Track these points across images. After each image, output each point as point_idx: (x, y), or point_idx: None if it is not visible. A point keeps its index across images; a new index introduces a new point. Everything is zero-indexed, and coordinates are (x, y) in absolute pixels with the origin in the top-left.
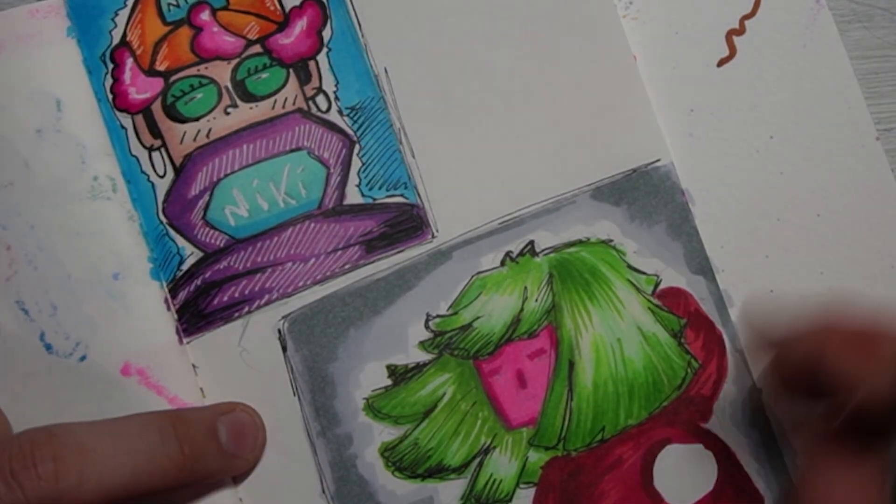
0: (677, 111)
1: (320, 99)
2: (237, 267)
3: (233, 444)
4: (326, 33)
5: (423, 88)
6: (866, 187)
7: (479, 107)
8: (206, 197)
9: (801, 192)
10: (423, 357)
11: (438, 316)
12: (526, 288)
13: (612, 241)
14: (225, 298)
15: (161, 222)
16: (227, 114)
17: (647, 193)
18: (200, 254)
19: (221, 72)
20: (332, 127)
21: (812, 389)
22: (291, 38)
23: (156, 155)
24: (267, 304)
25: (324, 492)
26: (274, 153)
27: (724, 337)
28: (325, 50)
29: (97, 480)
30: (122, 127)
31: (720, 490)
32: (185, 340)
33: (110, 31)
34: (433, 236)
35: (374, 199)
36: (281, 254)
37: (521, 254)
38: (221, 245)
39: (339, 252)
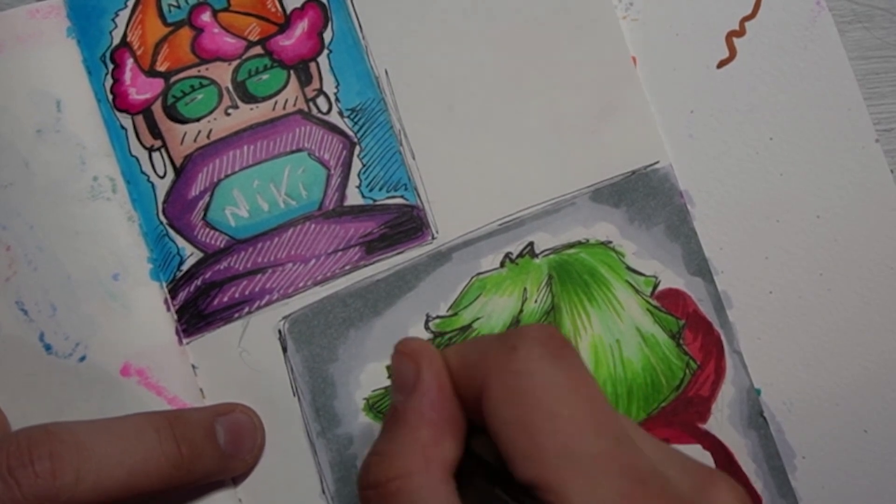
0: (677, 112)
1: (321, 100)
2: (237, 267)
3: (231, 445)
4: (327, 35)
5: (424, 90)
6: (866, 189)
7: (479, 108)
8: (207, 197)
9: (801, 194)
10: None
11: (438, 317)
12: (525, 289)
13: (611, 242)
14: (225, 299)
15: (161, 223)
16: (228, 115)
17: (646, 195)
18: (200, 254)
19: (222, 73)
20: (332, 128)
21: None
22: (292, 40)
23: (156, 155)
24: (267, 304)
25: (324, 492)
26: (274, 154)
27: (723, 338)
28: (325, 51)
29: (94, 479)
30: (122, 127)
31: None
32: (184, 341)
33: (110, 32)
34: (433, 237)
35: (375, 201)
36: (281, 254)
37: (520, 255)
38: (222, 245)
39: (340, 253)
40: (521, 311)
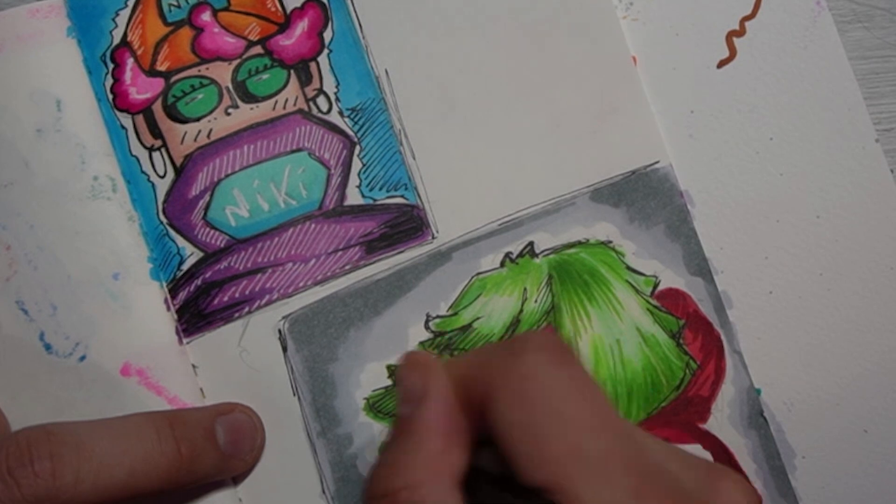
0: (677, 112)
1: (321, 100)
2: (237, 267)
3: (230, 445)
4: (327, 34)
5: (424, 90)
6: (866, 189)
7: (480, 108)
8: (207, 197)
9: (801, 194)
10: None
11: (438, 316)
12: (525, 289)
13: (611, 242)
14: (225, 298)
15: (161, 222)
16: (228, 114)
17: (646, 195)
18: (201, 254)
19: (222, 72)
20: (332, 128)
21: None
22: (292, 40)
23: (156, 155)
24: (267, 304)
25: (324, 492)
26: (275, 154)
27: (723, 338)
28: (325, 51)
29: (94, 479)
30: (123, 127)
31: None
32: (184, 341)
33: (111, 32)
34: (433, 237)
35: (375, 200)
36: (281, 254)
37: (520, 255)
38: (222, 245)
39: (340, 253)
40: (521, 310)
